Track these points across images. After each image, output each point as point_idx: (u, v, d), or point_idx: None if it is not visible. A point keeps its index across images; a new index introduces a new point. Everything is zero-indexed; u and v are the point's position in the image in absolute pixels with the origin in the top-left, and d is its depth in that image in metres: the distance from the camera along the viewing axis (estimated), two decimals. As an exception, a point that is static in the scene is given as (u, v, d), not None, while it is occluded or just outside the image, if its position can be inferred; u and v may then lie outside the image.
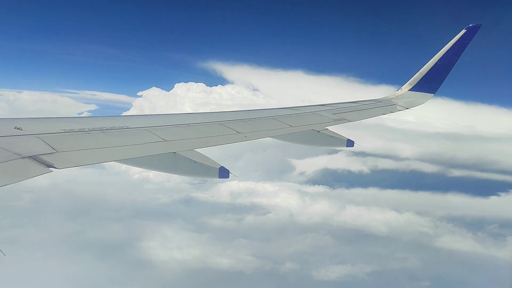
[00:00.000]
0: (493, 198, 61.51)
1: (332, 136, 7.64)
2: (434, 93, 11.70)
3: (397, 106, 10.81)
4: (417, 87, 11.79)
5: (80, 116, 6.14)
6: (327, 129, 7.76)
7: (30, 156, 4.58)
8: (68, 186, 53.17)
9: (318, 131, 7.62)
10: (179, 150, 5.83)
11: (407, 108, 10.87)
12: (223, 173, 5.88)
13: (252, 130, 6.95)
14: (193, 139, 6.34)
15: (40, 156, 4.66)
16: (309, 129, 7.60)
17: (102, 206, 53.22)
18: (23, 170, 4.41)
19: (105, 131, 5.60)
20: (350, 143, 7.69)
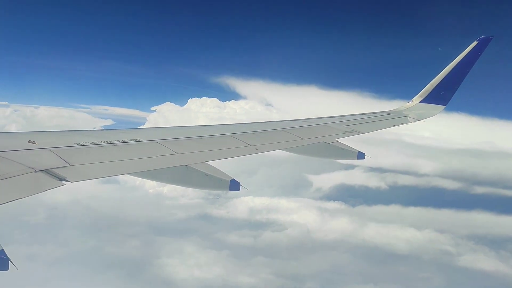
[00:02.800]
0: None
1: (343, 149, 7.58)
2: (445, 105, 11.62)
3: (408, 118, 10.74)
4: (428, 99, 11.73)
5: (92, 129, 6.13)
6: (337, 141, 7.71)
7: (43, 170, 4.56)
8: (83, 201, 53.25)
9: (329, 143, 7.57)
10: (191, 163, 5.81)
11: (418, 120, 10.80)
12: (234, 185, 5.84)
13: (263, 143, 6.92)
14: (205, 152, 6.32)
15: (53, 169, 4.65)
16: (320, 141, 7.56)
17: (119, 222, 53.07)
18: (36, 183, 4.40)
19: (117, 144, 5.59)
20: (361, 155, 7.63)
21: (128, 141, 5.73)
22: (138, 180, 5.74)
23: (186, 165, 5.76)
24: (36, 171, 4.52)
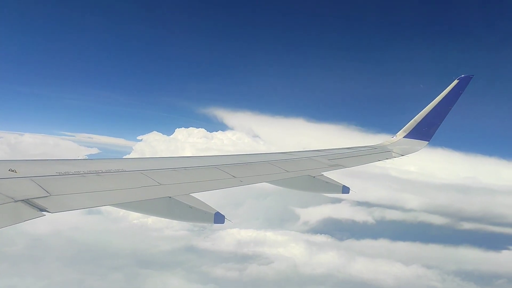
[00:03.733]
0: (504, 252, 60.66)
1: (327, 182, 7.62)
2: (428, 141, 11.87)
3: (392, 153, 10.90)
4: (411, 135, 11.98)
5: (75, 158, 6.09)
6: (322, 174, 7.76)
7: (23, 200, 4.49)
8: (66, 232, 51.92)
9: (314, 177, 7.61)
10: (175, 195, 5.78)
11: (402, 155, 10.96)
12: (219, 218, 5.80)
13: (248, 175, 6.93)
14: (189, 183, 6.30)
15: (33, 199, 4.57)
16: (304, 174, 7.60)
17: (102, 254, 51.68)
18: (15, 213, 4.31)
19: (100, 174, 5.54)
20: (345, 189, 7.66)
21: (112, 171, 5.69)
22: (122, 211, 5.67)
23: (170, 197, 5.73)
24: (15, 201, 4.44)
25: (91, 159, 6.15)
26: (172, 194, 5.77)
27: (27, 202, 4.51)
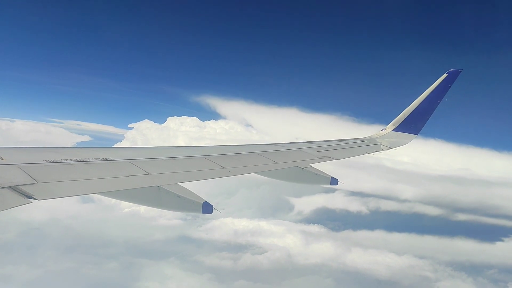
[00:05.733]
0: (498, 244, 61.30)
1: (316, 174, 7.68)
2: (417, 134, 11.96)
3: (381, 146, 11.00)
4: (400, 128, 12.07)
5: (63, 146, 6.10)
6: (311, 166, 7.82)
7: (9, 187, 4.51)
8: (59, 221, 51.81)
9: (303, 168, 7.67)
10: (163, 184, 5.81)
11: (391, 148, 11.06)
12: (207, 208, 5.84)
13: (237, 166, 6.97)
14: (178, 173, 6.34)
15: (20, 186, 4.60)
16: (293, 165, 7.65)
17: (95, 242, 51.67)
18: (1, 200, 4.34)
19: (88, 162, 5.56)
20: (334, 181, 7.73)
21: (99, 159, 5.71)
22: (114, 200, 5.70)
23: (158, 186, 5.76)
24: (1, 188, 4.46)
25: (79, 148, 6.17)
26: (160, 184, 5.80)
27: (14, 189, 4.54)
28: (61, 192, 4.90)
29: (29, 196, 4.53)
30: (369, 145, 10.77)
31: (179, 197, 5.78)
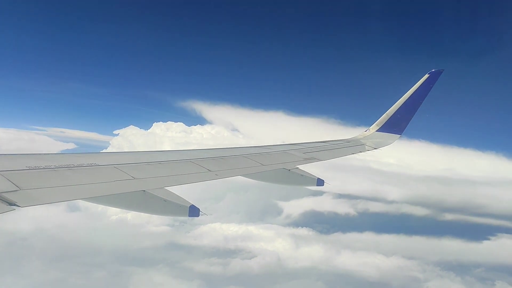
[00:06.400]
0: (485, 243, 62.13)
1: (302, 175, 7.75)
2: (400, 134, 12.16)
3: (366, 146, 11.14)
4: (384, 128, 12.25)
5: (46, 153, 6.04)
6: (297, 168, 7.88)
7: (-9, 194, 4.45)
8: (45, 230, 50.91)
9: (289, 170, 7.73)
10: (149, 188, 5.79)
11: (375, 148, 11.21)
12: (193, 211, 5.83)
13: (223, 169, 6.98)
14: (163, 177, 6.32)
15: (2, 193, 4.54)
16: (280, 167, 7.70)
17: (83, 251, 50.81)
18: (-17, 208, 4.27)
19: (72, 168, 5.51)
20: (320, 182, 7.81)
21: (84, 165, 5.67)
22: (100, 207, 5.66)
23: (144, 191, 5.74)
24: (-17, 196, 4.40)
25: (62, 153, 6.11)
26: (146, 188, 5.78)
27: None
28: (45, 198, 4.84)
29: (12, 204, 4.47)
30: (354, 146, 10.90)
31: (165, 201, 5.76)
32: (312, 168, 8.18)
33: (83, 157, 5.97)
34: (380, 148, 11.17)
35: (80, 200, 5.25)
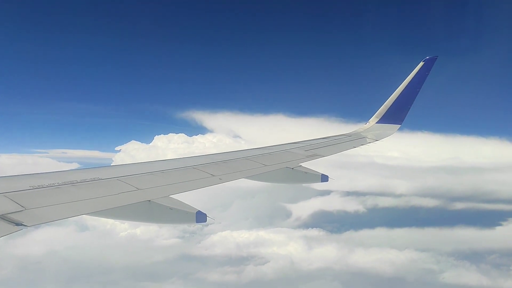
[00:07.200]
0: (497, 229, 61.64)
1: (306, 173, 7.73)
2: (400, 124, 12.14)
3: (367, 139, 11.12)
4: (383, 120, 12.24)
5: (49, 171, 6.06)
6: (300, 165, 7.87)
7: (-3, 216, 4.47)
8: (57, 252, 50.93)
9: (292, 168, 7.71)
10: (154, 198, 5.79)
11: (377, 140, 11.19)
12: (200, 217, 5.82)
13: (227, 172, 6.98)
14: (168, 186, 6.32)
15: (8, 215, 4.56)
16: (283, 167, 7.69)
17: (95, 270, 50.69)
18: (-10, 230, 4.29)
19: (75, 184, 5.53)
20: (324, 178, 7.79)
21: (87, 180, 5.68)
22: (108, 224, 5.62)
23: (149, 200, 5.74)
24: (-11, 218, 4.42)
25: (65, 170, 6.12)
26: (151, 198, 5.78)
27: (2, 217, 4.50)
28: (50, 216, 4.86)
29: (18, 224, 4.49)
30: (355, 139, 10.88)
31: (171, 209, 5.75)
32: (317, 167, 8.17)
33: (85, 173, 5.99)
34: (381, 140, 11.15)
35: (88, 219, 5.27)
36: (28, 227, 4.58)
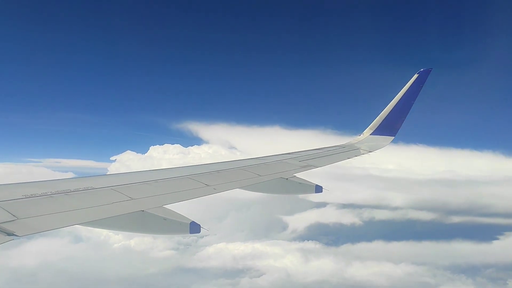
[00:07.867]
0: (494, 243, 61.57)
1: (300, 183, 7.74)
2: (394, 136, 12.21)
3: (361, 150, 11.17)
4: (377, 131, 12.32)
5: (42, 180, 6.04)
6: (295, 176, 7.88)
7: (-12, 226, 4.44)
8: (50, 264, 50.30)
9: (287, 179, 7.72)
10: (148, 208, 5.77)
11: (370, 152, 11.24)
12: (194, 228, 5.79)
13: (221, 182, 6.98)
14: (161, 195, 6.30)
15: (0, 224, 4.53)
16: (277, 177, 7.70)
17: (90, 282, 50.03)
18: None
19: (69, 193, 5.51)
20: (318, 188, 7.80)
21: (80, 189, 5.66)
22: (102, 235, 5.58)
23: (143, 210, 5.71)
24: (-20, 228, 4.39)
25: (58, 179, 6.10)
26: (145, 208, 5.75)
27: None
28: (43, 226, 4.82)
29: (10, 234, 4.45)
30: (349, 150, 10.93)
31: (165, 219, 5.72)
32: (312, 179, 8.18)
33: (79, 182, 5.96)
34: (375, 151, 11.21)
35: (82, 229, 5.24)
36: (20, 238, 4.55)
